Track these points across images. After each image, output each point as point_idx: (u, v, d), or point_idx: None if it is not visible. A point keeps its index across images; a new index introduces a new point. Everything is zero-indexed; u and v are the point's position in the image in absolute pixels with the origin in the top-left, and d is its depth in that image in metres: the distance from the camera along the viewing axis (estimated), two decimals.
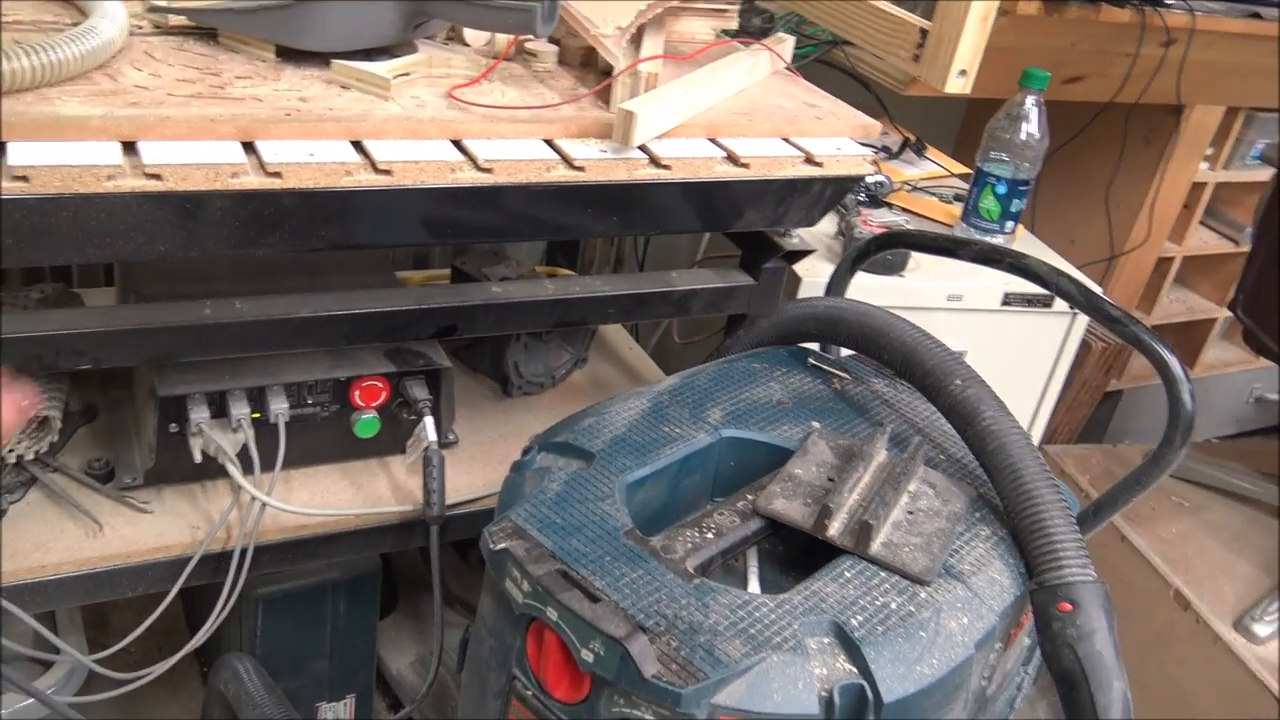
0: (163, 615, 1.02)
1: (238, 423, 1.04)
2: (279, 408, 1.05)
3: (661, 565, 0.73)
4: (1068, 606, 0.75)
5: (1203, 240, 2.23)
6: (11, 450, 1.06)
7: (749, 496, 0.83)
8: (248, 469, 1.05)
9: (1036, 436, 1.47)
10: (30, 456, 1.07)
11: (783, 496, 0.82)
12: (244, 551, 1.04)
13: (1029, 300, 1.33)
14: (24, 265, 0.79)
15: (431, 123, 0.90)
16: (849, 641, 0.70)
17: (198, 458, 1.04)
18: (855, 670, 0.69)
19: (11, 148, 0.75)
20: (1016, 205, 1.33)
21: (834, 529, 0.78)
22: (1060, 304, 1.35)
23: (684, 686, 0.64)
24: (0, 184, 0.72)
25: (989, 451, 0.83)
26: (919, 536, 0.79)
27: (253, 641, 1.17)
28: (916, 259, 1.32)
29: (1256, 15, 1.59)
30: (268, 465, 1.05)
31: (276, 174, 0.80)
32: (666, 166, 0.95)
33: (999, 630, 0.77)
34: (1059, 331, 1.38)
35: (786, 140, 1.04)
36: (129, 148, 0.79)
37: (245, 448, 1.05)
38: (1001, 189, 1.32)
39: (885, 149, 1.60)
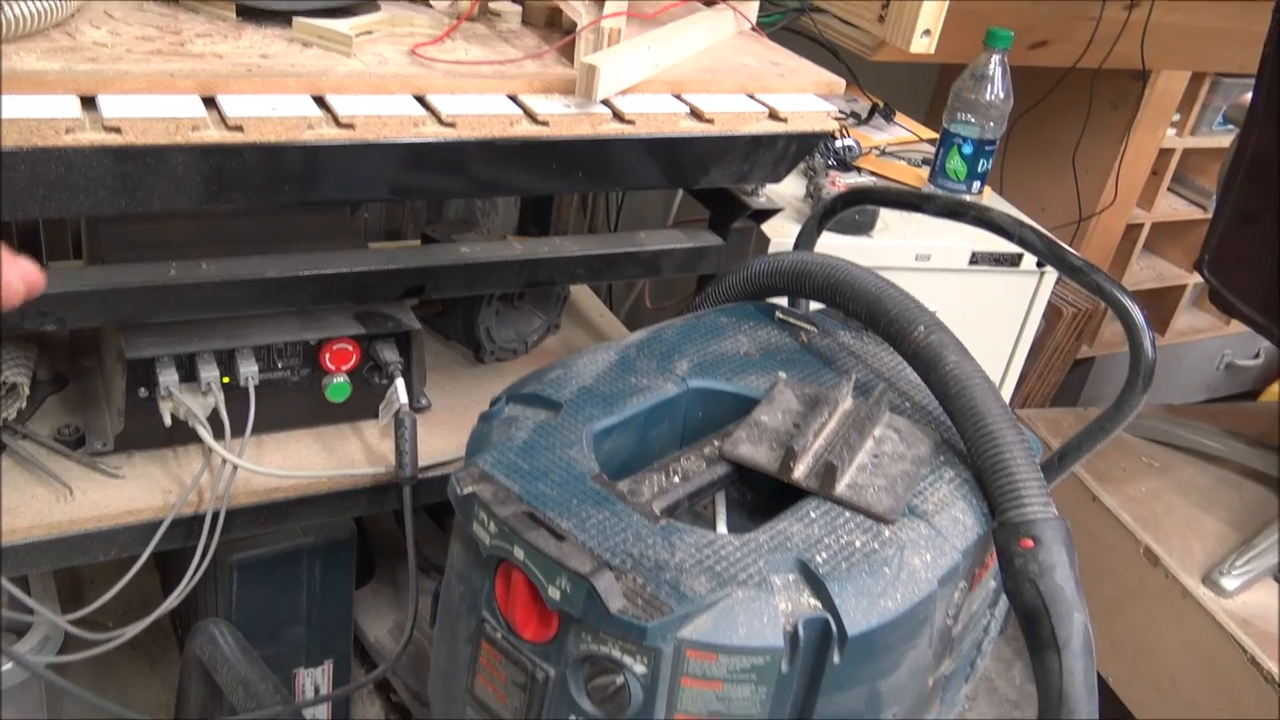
0: (139, 585, 1.02)
1: (207, 385, 1.04)
2: (248, 370, 1.05)
3: (628, 507, 0.73)
4: (1029, 543, 0.77)
5: (1171, 207, 2.25)
6: None
7: (716, 443, 0.84)
8: (219, 433, 1.04)
9: (1007, 396, 1.48)
10: None
11: (749, 442, 0.82)
12: (216, 515, 1.04)
13: (996, 259, 1.34)
14: None
15: (394, 78, 0.90)
16: (813, 578, 0.70)
17: (168, 421, 1.04)
18: (819, 605, 0.70)
19: None
20: (983, 165, 1.34)
21: (799, 471, 0.79)
22: (1028, 262, 1.36)
23: (650, 620, 0.65)
24: None
25: (951, 395, 0.84)
26: (884, 478, 0.80)
27: (229, 608, 1.18)
28: (885, 219, 1.33)
29: None
30: (239, 429, 1.05)
31: (238, 127, 0.80)
32: (630, 122, 0.95)
33: (963, 568, 0.78)
34: (1027, 290, 1.39)
35: (751, 96, 1.04)
36: (88, 103, 0.79)
37: (215, 411, 1.05)
38: (968, 149, 1.33)
39: (854, 115, 1.60)
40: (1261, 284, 1.47)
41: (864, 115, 1.61)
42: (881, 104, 1.63)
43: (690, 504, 0.79)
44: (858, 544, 0.74)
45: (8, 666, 1.10)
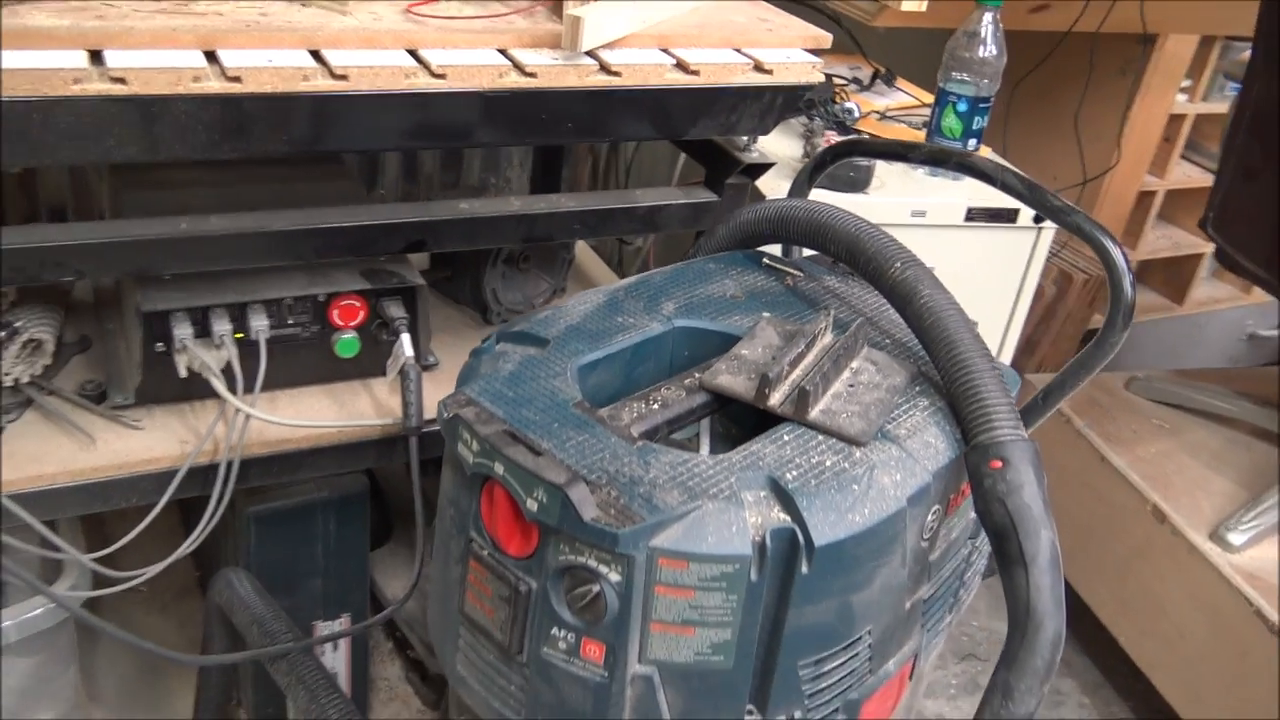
0: (164, 538, 1.07)
1: (220, 339, 1.08)
2: (259, 325, 1.10)
3: (607, 430, 0.77)
4: (998, 464, 0.79)
5: (1185, 174, 2.25)
6: (7, 374, 1.11)
7: (696, 375, 0.87)
8: (232, 386, 1.09)
9: (1009, 352, 1.50)
10: (25, 379, 1.12)
11: (728, 373, 0.85)
12: (230, 464, 1.09)
13: (992, 215, 1.35)
14: (3, 168, 0.83)
15: (387, 34, 0.94)
16: (783, 493, 0.73)
17: (183, 373, 1.08)
18: (788, 519, 0.72)
19: None
20: (978, 123, 1.36)
21: (774, 399, 0.82)
22: (1024, 218, 1.38)
23: (621, 528, 0.68)
24: None
25: (926, 326, 0.86)
26: (858, 405, 0.83)
27: (247, 559, 1.22)
28: (880, 177, 1.36)
29: None
30: (252, 384, 1.09)
31: (236, 78, 0.85)
32: (617, 73, 0.99)
33: (934, 490, 0.80)
34: (1024, 246, 1.40)
35: (737, 50, 1.07)
36: (95, 56, 0.83)
37: (229, 365, 1.10)
38: (963, 106, 1.35)
39: (856, 80, 1.63)
40: (1264, 239, 1.48)
41: (866, 81, 1.64)
42: (883, 70, 1.65)
43: (669, 429, 0.83)
44: (828, 464, 0.77)
45: (38, 611, 1.16)
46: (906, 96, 1.62)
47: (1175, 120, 2.10)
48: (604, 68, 0.98)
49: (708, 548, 0.70)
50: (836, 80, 1.58)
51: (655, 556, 0.70)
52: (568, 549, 0.71)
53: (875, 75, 1.64)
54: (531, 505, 0.71)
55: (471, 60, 0.94)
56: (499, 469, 0.72)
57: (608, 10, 0.97)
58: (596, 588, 0.71)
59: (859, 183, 1.31)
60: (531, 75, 0.95)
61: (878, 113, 1.55)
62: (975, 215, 1.35)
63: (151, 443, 1.09)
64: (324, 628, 1.33)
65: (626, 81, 0.99)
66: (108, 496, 1.07)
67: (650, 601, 0.71)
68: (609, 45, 1.01)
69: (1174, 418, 1.79)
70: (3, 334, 1.09)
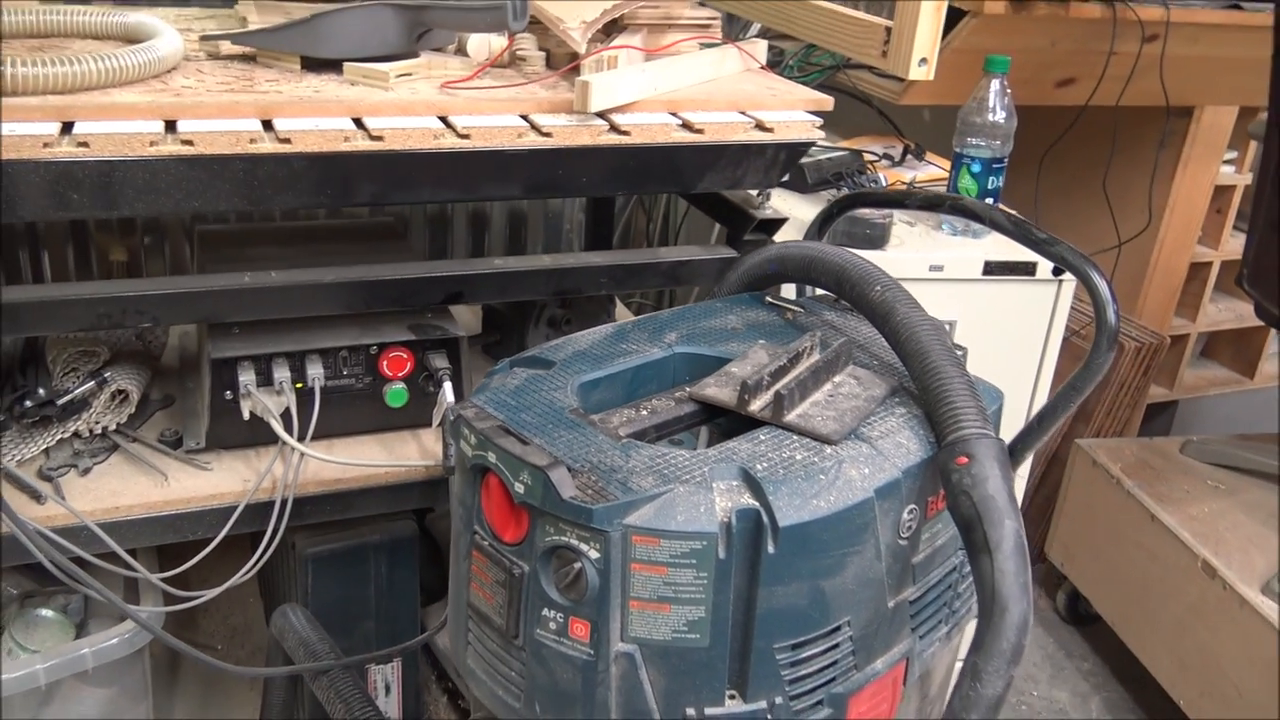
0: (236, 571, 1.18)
1: (280, 385, 1.21)
2: (315, 372, 1.22)
3: (596, 430, 0.84)
4: (964, 459, 0.84)
5: (1239, 245, 2.25)
6: (97, 421, 1.25)
7: (687, 389, 0.94)
8: (289, 429, 1.21)
9: (1039, 404, 1.52)
10: (113, 426, 1.26)
11: (715, 385, 0.93)
12: (285, 501, 1.20)
13: (1010, 268, 1.41)
14: (92, 217, 0.97)
15: (422, 103, 1.07)
16: (752, 481, 0.79)
17: (246, 416, 1.20)
18: (756, 503, 0.79)
19: (78, 124, 0.94)
20: (994, 183, 1.43)
21: (755, 405, 0.89)
22: (1043, 270, 1.42)
23: (596, 504, 0.75)
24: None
25: (902, 340, 0.92)
26: (834, 411, 0.89)
27: (305, 597, 1.32)
28: (899, 235, 1.43)
29: (1236, 6, 1.66)
30: (306, 428, 1.21)
31: (287, 140, 0.98)
32: (626, 132, 1.10)
33: (905, 487, 0.85)
34: (1046, 300, 1.45)
35: (742, 112, 1.18)
36: (170, 126, 0.98)
37: (287, 410, 1.21)
38: (977, 168, 1.42)
39: (888, 156, 1.71)
40: None
41: (897, 158, 1.72)
42: (913, 145, 1.73)
43: (657, 434, 0.90)
44: (798, 458, 0.83)
45: (114, 640, 1.27)
46: (936, 169, 1.70)
47: (1224, 191, 2.13)
48: (614, 128, 1.10)
49: (677, 525, 0.77)
50: (868, 156, 1.68)
51: (629, 534, 0.77)
52: (552, 529, 0.79)
53: (905, 150, 1.72)
54: (519, 488, 0.79)
55: (494, 123, 1.06)
56: (491, 458, 0.81)
57: (617, 77, 1.09)
58: (579, 564, 0.78)
59: (876, 239, 1.38)
60: (547, 135, 1.07)
61: (905, 183, 1.63)
62: (993, 269, 1.41)
63: (218, 481, 1.20)
64: (377, 671, 1.41)
65: (635, 140, 1.10)
66: (178, 528, 1.18)
67: (628, 579, 0.78)
68: (622, 109, 1.12)
69: (1230, 479, 1.77)
70: (94, 384, 1.23)
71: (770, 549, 0.78)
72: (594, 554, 0.77)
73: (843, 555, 0.82)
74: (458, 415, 0.85)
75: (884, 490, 0.83)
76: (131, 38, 1.16)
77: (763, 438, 0.85)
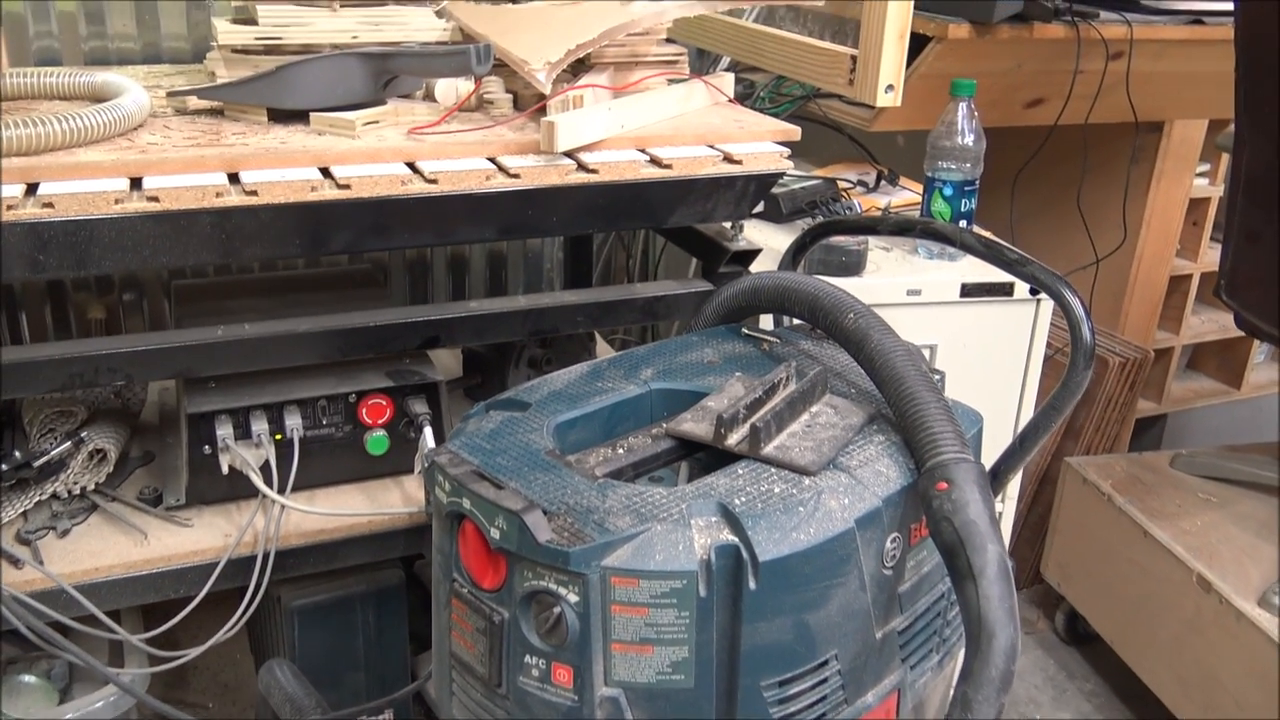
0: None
1: (259, 438, 1.20)
2: (294, 423, 1.21)
3: (572, 471, 0.84)
4: (944, 485, 0.83)
5: (1217, 257, 2.26)
6: (75, 482, 1.24)
7: (664, 425, 0.94)
8: (269, 482, 1.20)
9: (1023, 424, 1.51)
10: (91, 486, 1.25)
11: (692, 420, 0.92)
12: (267, 554, 1.18)
13: (988, 289, 1.41)
14: (62, 276, 0.97)
15: (389, 150, 1.07)
16: (731, 517, 0.79)
17: (225, 470, 1.19)
18: (735, 539, 0.78)
19: (43, 185, 0.94)
20: (966, 205, 1.43)
21: (732, 439, 0.88)
22: (1021, 291, 1.42)
23: (572, 547, 0.75)
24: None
25: (876, 367, 0.92)
26: (812, 441, 0.88)
27: (292, 651, 1.30)
28: (875, 261, 1.43)
29: (1199, 21, 1.68)
30: (286, 480, 1.20)
31: (253, 192, 0.98)
32: (594, 170, 1.10)
33: (886, 516, 0.84)
34: (1024, 321, 1.45)
35: (710, 145, 1.18)
36: (136, 183, 0.98)
37: (267, 463, 1.20)
38: (949, 191, 1.42)
39: (862, 183, 1.72)
40: (1273, 300, 1.50)
41: (871, 184, 1.73)
42: (887, 170, 1.74)
43: (634, 472, 0.89)
44: (777, 490, 0.82)
45: (99, 704, 1.25)
46: (910, 194, 1.70)
47: (1199, 204, 2.14)
48: (582, 166, 1.10)
49: (656, 564, 0.76)
50: (841, 183, 1.68)
51: (608, 575, 0.76)
52: (530, 574, 0.78)
53: (880, 177, 1.73)
54: (495, 534, 0.78)
55: (461, 167, 1.06)
56: (466, 504, 0.80)
57: (583, 116, 1.09)
58: (558, 609, 0.77)
59: (852, 266, 1.38)
60: (515, 176, 1.07)
61: (879, 209, 1.63)
62: (970, 290, 1.41)
63: (199, 537, 1.19)
64: None
65: (604, 177, 1.10)
66: (159, 587, 1.17)
67: (608, 621, 0.77)
68: (589, 148, 1.12)
69: (1221, 491, 1.76)
70: (70, 444, 1.22)
71: (751, 584, 0.77)
72: (573, 597, 0.76)
73: (826, 588, 0.81)
74: (431, 462, 0.84)
75: (865, 520, 0.83)
76: (99, 97, 1.16)
77: (741, 471, 0.85)
